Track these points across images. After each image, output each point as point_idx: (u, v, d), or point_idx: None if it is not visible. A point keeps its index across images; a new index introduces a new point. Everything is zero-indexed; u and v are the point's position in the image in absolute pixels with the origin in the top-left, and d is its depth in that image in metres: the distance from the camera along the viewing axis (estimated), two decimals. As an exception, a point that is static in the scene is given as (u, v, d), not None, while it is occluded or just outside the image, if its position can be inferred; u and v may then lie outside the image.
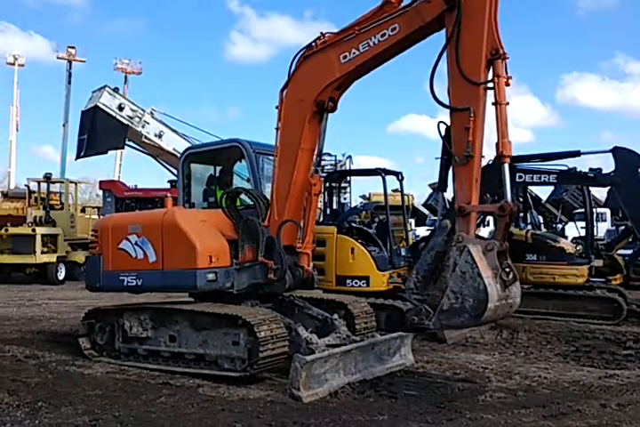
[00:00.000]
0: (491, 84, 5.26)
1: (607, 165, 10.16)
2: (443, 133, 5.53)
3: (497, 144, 5.26)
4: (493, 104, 5.24)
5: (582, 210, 16.00)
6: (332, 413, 4.91)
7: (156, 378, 6.00)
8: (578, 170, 10.25)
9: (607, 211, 25.65)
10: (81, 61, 42.00)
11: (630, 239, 11.96)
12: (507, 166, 5.27)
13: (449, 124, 5.46)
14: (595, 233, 11.53)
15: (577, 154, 10.23)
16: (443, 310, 5.10)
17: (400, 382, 5.90)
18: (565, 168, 10.28)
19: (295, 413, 4.89)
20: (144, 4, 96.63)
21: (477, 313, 4.98)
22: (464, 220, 5.25)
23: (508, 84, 5.27)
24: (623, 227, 13.24)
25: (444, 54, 5.47)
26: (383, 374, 6.05)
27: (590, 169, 10.26)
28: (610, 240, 14.01)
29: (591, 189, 11.89)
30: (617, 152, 9.82)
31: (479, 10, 5.28)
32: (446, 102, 5.45)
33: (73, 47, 41.36)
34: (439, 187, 6.29)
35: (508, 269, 5.15)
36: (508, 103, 5.25)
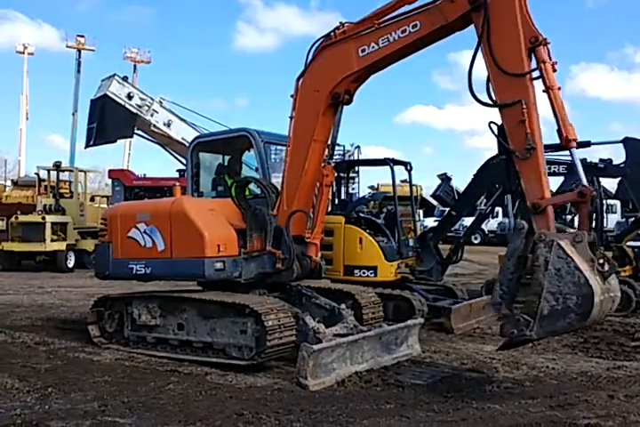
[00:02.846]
0: (535, 74, 5.08)
1: (618, 156, 10.08)
2: (496, 133, 5.28)
3: (558, 130, 5.05)
4: (544, 91, 5.06)
5: (592, 201, 15.86)
6: (338, 401, 4.93)
7: (165, 365, 6.05)
8: (588, 161, 10.16)
9: (617, 202, 25.49)
10: (90, 50, 41.98)
11: (640, 231, 11.87)
12: (574, 151, 5.04)
13: (499, 123, 5.26)
14: (604, 225, 11.44)
15: (587, 144, 10.13)
16: (544, 316, 4.66)
17: (407, 371, 5.92)
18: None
19: (302, 401, 4.92)
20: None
21: (584, 310, 4.56)
22: (541, 216, 4.94)
23: (554, 70, 5.09)
24: (633, 218, 13.14)
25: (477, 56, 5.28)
26: (390, 363, 6.07)
27: (600, 160, 10.18)
28: (619, 232, 13.91)
29: (601, 180, 11.78)
30: (628, 143, 9.73)
31: (509, 5, 5.13)
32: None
33: (82, 36, 41.30)
34: (507, 188, 5.97)
35: (602, 261, 4.78)
36: (559, 88, 5.06)
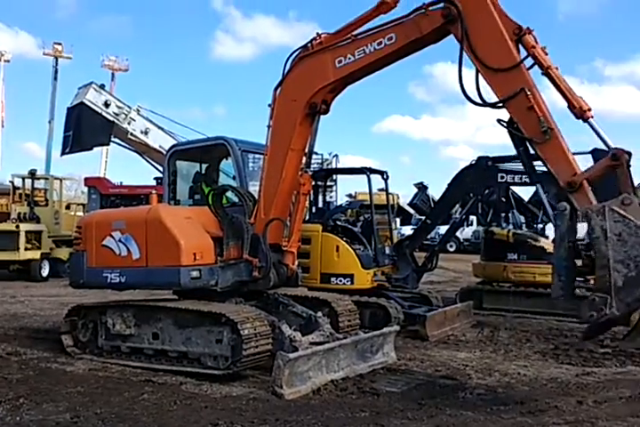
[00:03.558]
0: (527, 64, 5.15)
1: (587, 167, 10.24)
2: (506, 126, 5.29)
3: (569, 105, 5.07)
4: (543, 74, 5.15)
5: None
6: (314, 410, 4.95)
7: (139, 375, 6.00)
8: None
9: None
10: (67, 58, 41.40)
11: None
12: (593, 121, 5.03)
13: (506, 119, 5.30)
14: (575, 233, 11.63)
15: None
16: (619, 287, 4.35)
17: (382, 379, 5.97)
18: (547, 169, 10.34)
19: (277, 410, 4.92)
20: (130, 2, 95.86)
21: None
22: (579, 194, 4.84)
23: (546, 53, 5.16)
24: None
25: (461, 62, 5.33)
26: (366, 371, 6.10)
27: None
28: (589, 240, 14.17)
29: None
30: (596, 154, 9.91)
31: (482, 10, 5.22)
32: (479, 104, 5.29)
33: (59, 43, 40.73)
34: (533, 179, 5.91)
35: None
36: (557, 67, 5.13)
